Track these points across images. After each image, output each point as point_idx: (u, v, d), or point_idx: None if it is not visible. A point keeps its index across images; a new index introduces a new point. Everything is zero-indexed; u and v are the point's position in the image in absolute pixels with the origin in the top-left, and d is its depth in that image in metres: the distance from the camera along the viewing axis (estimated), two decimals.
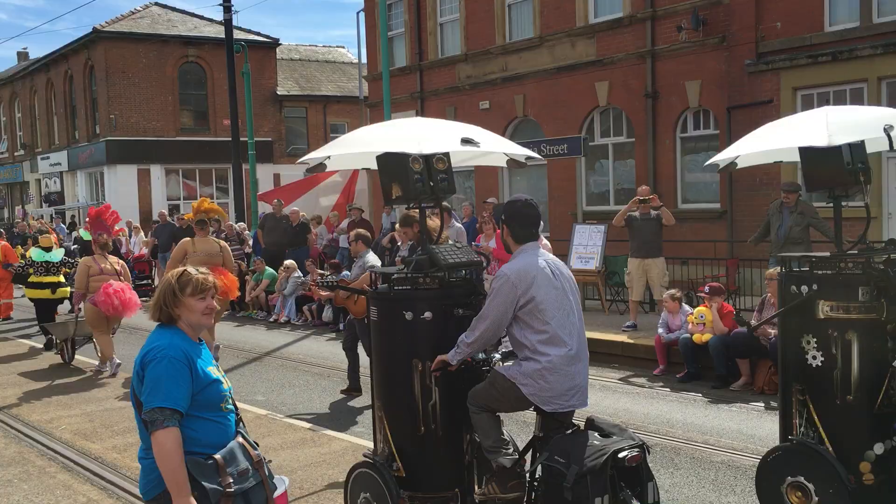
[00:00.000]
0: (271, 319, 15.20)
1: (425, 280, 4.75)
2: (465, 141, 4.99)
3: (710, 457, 6.69)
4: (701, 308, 9.36)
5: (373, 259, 8.41)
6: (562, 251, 13.59)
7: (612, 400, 8.66)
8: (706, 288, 9.52)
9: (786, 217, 10.52)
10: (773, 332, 8.13)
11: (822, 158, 5.01)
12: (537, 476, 4.40)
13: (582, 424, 4.47)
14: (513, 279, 4.30)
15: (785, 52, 13.81)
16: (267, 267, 15.82)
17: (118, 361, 10.56)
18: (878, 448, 4.74)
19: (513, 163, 5.67)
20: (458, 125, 5.65)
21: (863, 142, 5.05)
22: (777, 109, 13.87)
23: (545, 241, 10.76)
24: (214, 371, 3.50)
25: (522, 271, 4.32)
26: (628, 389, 9.15)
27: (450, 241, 5.61)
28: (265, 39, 33.24)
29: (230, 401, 3.53)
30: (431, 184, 4.74)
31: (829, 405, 4.89)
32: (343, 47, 40.13)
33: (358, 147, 5.47)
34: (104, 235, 11.94)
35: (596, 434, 4.24)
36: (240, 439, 3.48)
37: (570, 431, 4.35)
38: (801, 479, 4.80)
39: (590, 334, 10.93)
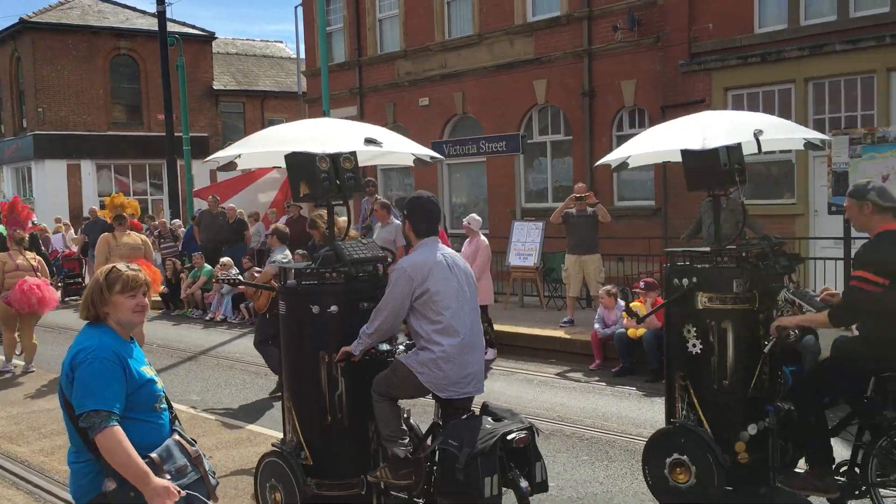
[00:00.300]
0: (207, 318, 14.94)
1: (332, 275, 4.98)
2: (369, 141, 5.20)
3: None
4: (636, 303, 9.54)
5: (280, 255, 8.57)
6: (500, 248, 13.72)
7: (550, 395, 8.76)
8: (641, 283, 9.70)
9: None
10: None
11: (701, 160, 5.35)
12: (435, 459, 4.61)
13: (478, 410, 4.70)
14: (409, 272, 4.55)
15: (717, 53, 14.15)
16: (206, 264, 15.55)
17: (10, 368, 10.45)
18: (752, 429, 5.09)
19: (419, 162, 5.93)
20: (362, 125, 5.92)
21: (739, 144, 5.37)
22: (709, 108, 14.18)
23: (483, 239, 10.90)
24: (148, 370, 3.44)
25: (419, 264, 4.59)
26: (565, 384, 9.26)
27: (361, 237, 5.79)
28: (200, 33, 32.61)
29: (164, 400, 3.49)
30: (338, 182, 5.01)
31: (707, 390, 5.28)
32: (281, 42, 39.68)
33: (264, 146, 5.62)
34: (19, 231, 11.64)
35: (489, 419, 4.48)
36: (176, 437, 3.44)
37: (464, 416, 4.59)
38: (682, 457, 5.14)
39: (528, 330, 11.23)
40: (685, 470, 5.16)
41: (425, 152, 5.85)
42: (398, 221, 12.44)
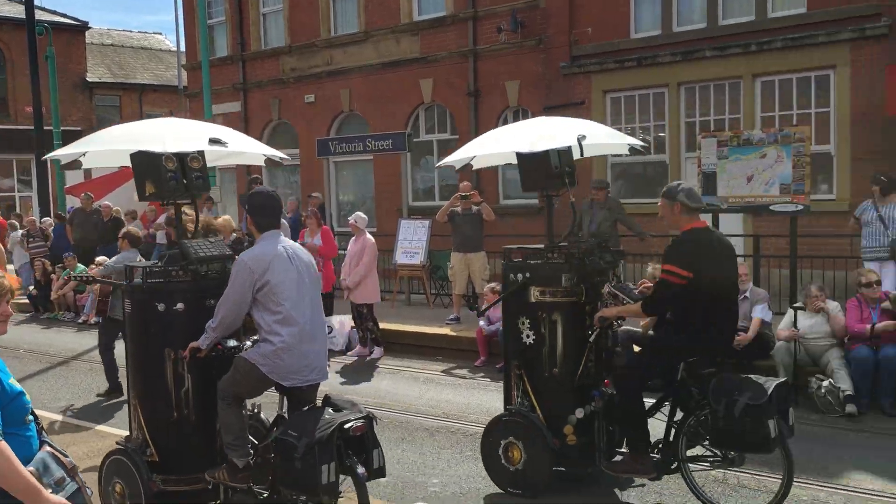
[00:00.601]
0: (80, 320, 14.25)
1: (178, 273, 5.06)
2: (213, 141, 5.28)
3: None
4: None
5: (113, 260, 8.77)
6: (387, 246, 13.72)
7: (436, 392, 8.82)
8: None
9: (596, 213, 11.14)
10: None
11: (534, 162, 5.75)
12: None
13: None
14: (249, 264, 4.67)
15: (596, 57, 14.59)
16: (79, 264, 14.82)
17: None
18: (580, 413, 5.51)
19: (270, 162, 6.05)
20: (208, 125, 6.03)
21: (570, 148, 5.77)
22: (589, 110, 14.65)
23: (369, 237, 10.86)
24: (14, 382, 3.26)
25: (259, 257, 4.70)
26: (451, 381, 9.35)
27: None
28: (73, 22, 31.08)
29: (31, 411, 3.33)
30: (185, 181, 5.08)
31: (539, 378, 5.68)
32: (160, 34, 38.34)
33: (107, 145, 5.61)
34: None
35: (329, 409, 4.61)
36: (48, 448, 3.28)
37: (306, 408, 4.71)
38: (515, 441, 5.57)
39: (415, 328, 11.26)
40: (517, 452, 5.55)
41: (273, 153, 5.98)
42: (284, 221, 12.25)
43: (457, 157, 6.62)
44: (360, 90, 18.31)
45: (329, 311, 11.24)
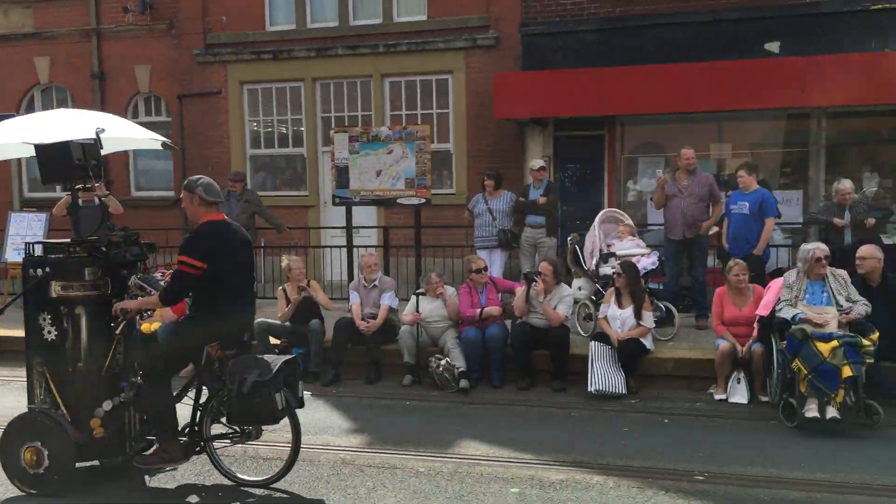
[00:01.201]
0: None
1: None
2: None
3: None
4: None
5: None
6: None
7: None
8: (158, 273, 9.41)
9: (233, 205, 10.99)
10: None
11: (55, 154, 5.71)
12: None
13: None
14: None
15: (231, 47, 14.33)
16: None
17: None
18: (107, 405, 5.64)
19: None
20: None
21: (95, 141, 5.87)
22: (226, 100, 14.38)
23: None
24: None
25: None
26: None
27: None
28: None
29: None
30: None
31: (63, 373, 5.64)
32: None
33: None
34: None
35: None
36: None
37: None
38: (35, 443, 5.50)
39: (3, 332, 10.11)
40: (38, 452, 5.48)
41: None
42: None
43: None
44: None
45: None
